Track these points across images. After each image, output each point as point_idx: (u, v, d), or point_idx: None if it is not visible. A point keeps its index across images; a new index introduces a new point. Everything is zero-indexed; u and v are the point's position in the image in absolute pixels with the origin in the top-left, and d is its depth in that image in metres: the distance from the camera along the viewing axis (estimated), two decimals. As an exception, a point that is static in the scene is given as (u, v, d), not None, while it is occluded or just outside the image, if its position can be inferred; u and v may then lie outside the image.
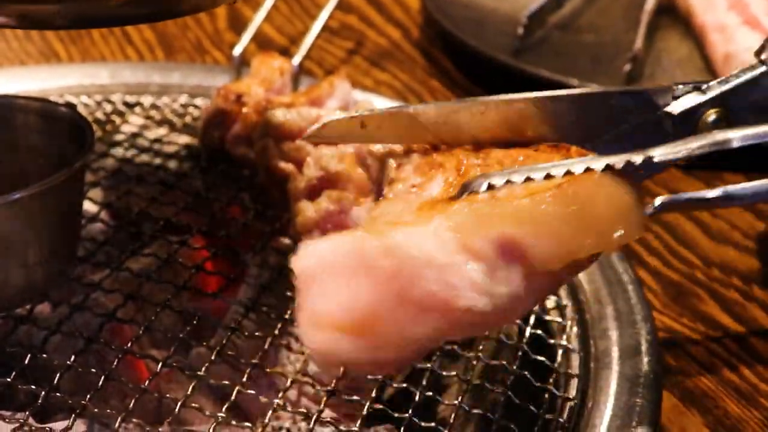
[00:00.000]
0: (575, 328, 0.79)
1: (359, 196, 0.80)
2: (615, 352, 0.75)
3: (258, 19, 1.20)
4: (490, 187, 0.55)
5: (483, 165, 0.60)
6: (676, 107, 0.63)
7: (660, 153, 0.57)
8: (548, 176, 0.54)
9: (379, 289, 0.50)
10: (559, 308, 0.82)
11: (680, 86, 0.64)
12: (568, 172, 0.54)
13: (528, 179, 0.55)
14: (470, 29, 1.32)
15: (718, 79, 0.64)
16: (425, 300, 0.49)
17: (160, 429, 0.65)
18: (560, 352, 0.76)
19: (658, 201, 0.67)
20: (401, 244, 0.50)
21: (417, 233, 0.50)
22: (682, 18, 1.37)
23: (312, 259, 0.51)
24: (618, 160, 0.56)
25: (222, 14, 1.46)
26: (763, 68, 0.64)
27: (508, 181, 0.55)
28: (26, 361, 0.70)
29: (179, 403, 0.67)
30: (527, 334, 0.77)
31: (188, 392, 0.68)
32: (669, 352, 0.78)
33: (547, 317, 0.81)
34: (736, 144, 0.58)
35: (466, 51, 1.30)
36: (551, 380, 0.73)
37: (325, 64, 1.32)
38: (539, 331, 0.78)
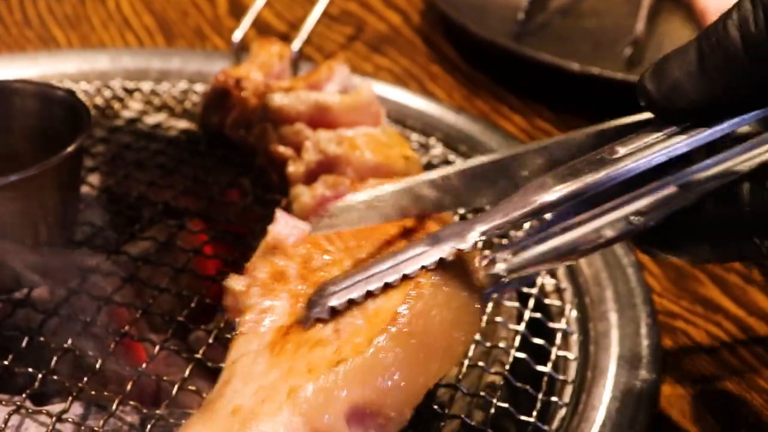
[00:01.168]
0: (574, 312, 0.79)
1: (358, 179, 0.80)
2: (614, 335, 0.75)
3: (258, 4, 1.20)
4: (333, 310, 0.56)
5: (324, 266, 0.62)
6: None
7: (481, 230, 0.56)
8: (387, 285, 0.56)
9: None
10: (559, 291, 0.82)
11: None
12: (405, 277, 0.56)
13: (369, 293, 0.56)
14: (471, 14, 1.31)
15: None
16: None
17: (157, 411, 0.65)
18: (559, 335, 0.76)
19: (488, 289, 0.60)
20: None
21: (271, 426, 0.51)
22: (684, 2, 1.37)
23: None
24: (446, 252, 0.56)
25: (222, 0, 1.46)
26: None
27: (349, 301, 0.56)
28: (24, 345, 0.70)
29: (177, 386, 0.67)
30: (526, 317, 0.77)
31: (186, 375, 0.68)
32: (668, 335, 0.78)
33: (547, 300, 0.81)
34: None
35: (467, 36, 1.30)
36: (550, 363, 0.73)
37: (325, 49, 1.32)
38: (538, 315, 0.78)
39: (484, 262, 0.56)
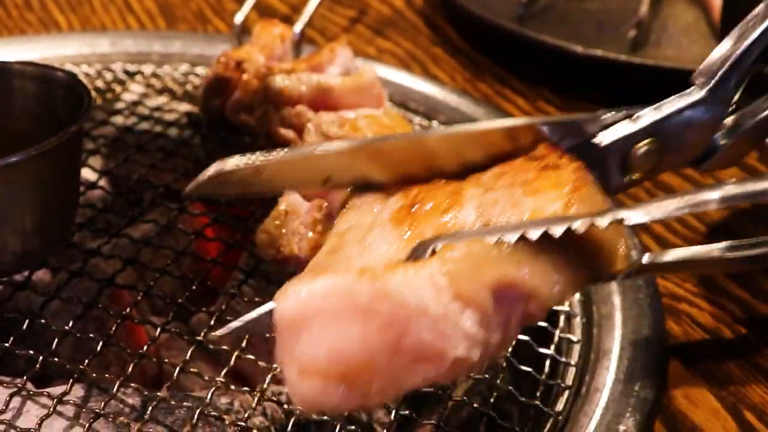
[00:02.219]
0: (577, 294, 0.78)
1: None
2: (618, 318, 0.75)
3: (260, -14, 1.19)
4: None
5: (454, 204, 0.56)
6: (604, 138, 0.60)
7: (634, 215, 0.51)
8: (500, 241, 0.50)
9: (372, 337, 0.47)
10: (562, 274, 0.81)
11: (609, 114, 0.61)
12: (545, 234, 0.50)
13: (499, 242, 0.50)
14: (474, -4, 1.30)
15: (652, 106, 0.61)
16: (419, 350, 0.47)
17: (158, 394, 0.65)
18: (562, 317, 0.76)
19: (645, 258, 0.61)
20: (396, 289, 0.47)
21: (412, 279, 0.47)
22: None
23: (297, 302, 0.48)
24: (579, 224, 0.50)
25: (224, -17, 1.45)
26: (698, 95, 0.61)
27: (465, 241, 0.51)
28: (25, 327, 0.70)
29: (178, 368, 0.67)
30: (529, 299, 0.76)
31: (187, 357, 0.68)
32: (672, 317, 0.77)
33: (550, 283, 0.80)
34: (714, 206, 0.53)
35: (469, 18, 1.29)
36: (553, 345, 0.73)
37: (327, 32, 1.31)
38: (541, 297, 0.77)
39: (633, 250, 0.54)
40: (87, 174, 0.89)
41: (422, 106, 1.07)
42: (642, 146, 0.61)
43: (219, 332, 0.56)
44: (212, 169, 0.59)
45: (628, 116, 0.61)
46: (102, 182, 0.89)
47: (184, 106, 1.05)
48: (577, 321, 0.76)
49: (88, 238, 0.81)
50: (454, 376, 0.50)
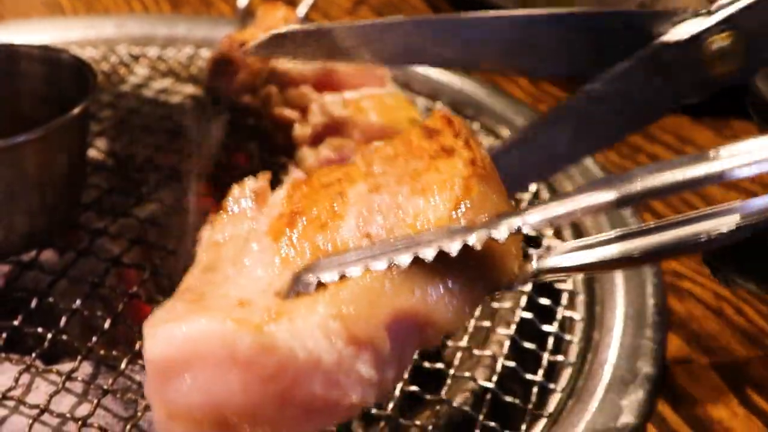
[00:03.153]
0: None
1: (363, 142, 0.80)
2: (620, 295, 0.75)
3: (263, -30, 1.20)
4: (320, 284, 0.46)
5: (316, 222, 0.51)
6: (674, 35, 0.52)
7: (531, 219, 0.46)
8: (392, 265, 0.46)
9: (255, 389, 0.43)
10: (565, 252, 0.82)
11: (682, 12, 0.53)
12: (417, 259, 0.46)
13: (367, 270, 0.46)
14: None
15: None
16: (309, 402, 0.44)
17: (166, 371, 0.66)
18: (565, 295, 0.76)
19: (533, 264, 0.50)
20: (283, 343, 0.43)
21: (301, 329, 0.43)
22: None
23: (168, 345, 0.44)
24: (476, 239, 0.46)
25: (227, -33, 1.45)
26: None
27: (342, 276, 0.46)
28: (33, 306, 0.70)
29: (185, 346, 0.68)
30: (532, 277, 0.77)
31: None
32: (675, 295, 0.78)
33: (553, 261, 0.81)
34: (616, 207, 0.46)
35: (474, 4, 1.29)
36: (556, 323, 0.74)
37: (330, 15, 1.31)
38: (544, 275, 0.78)
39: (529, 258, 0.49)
40: (93, 155, 0.90)
41: (425, 87, 1.07)
42: (716, 42, 0.52)
43: None
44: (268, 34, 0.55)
45: (700, 14, 0.52)
46: (108, 163, 0.89)
47: (189, 89, 1.06)
48: (580, 299, 0.76)
49: (94, 218, 0.81)
50: (349, 418, 0.48)
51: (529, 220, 0.46)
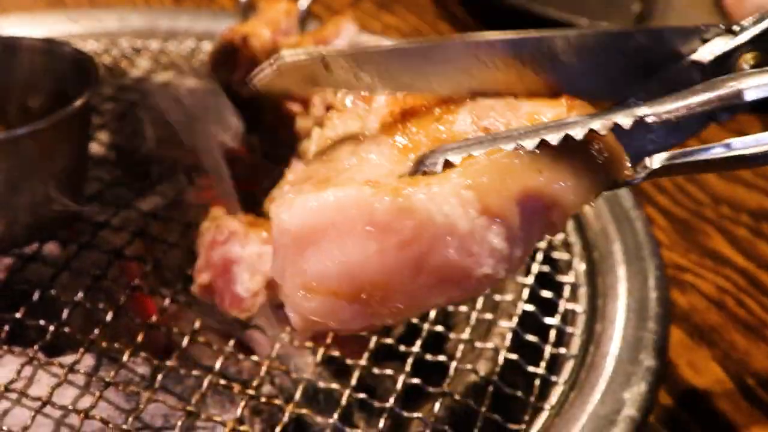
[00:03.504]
0: (582, 264, 0.79)
1: (366, 134, 0.80)
2: (622, 288, 0.75)
3: (265, -38, 1.19)
4: (447, 164, 0.47)
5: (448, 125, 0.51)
6: (704, 54, 0.52)
7: (651, 111, 0.46)
8: (518, 147, 0.46)
9: (392, 256, 0.43)
10: (566, 245, 0.82)
11: (710, 28, 0.52)
12: (543, 143, 0.46)
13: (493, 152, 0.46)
14: (479, -29, 1.30)
15: (754, 17, 0.52)
16: (444, 269, 0.44)
17: (168, 363, 0.66)
18: (567, 288, 0.76)
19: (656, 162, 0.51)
20: (422, 206, 0.43)
21: (437, 194, 0.43)
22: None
23: (305, 214, 0.43)
24: (600, 125, 0.46)
25: (229, -40, 1.45)
26: None
27: (469, 156, 0.47)
28: (35, 298, 0.70)
29: (187, 338, 0.68)
30: (534, 270, 0.77)
31: (196, 327, 0.69)
32: (677, 288, 0.78)
33: (554, 254, 0.81)
34: (749, 96, 0.46)
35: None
36: (558, 315, 0.74)
37: (333, 7, 1.31)
38: (546, 268, 0.78)
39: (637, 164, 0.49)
40: (95, 148, 0.90)
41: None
42: (746, 61, 0.53)
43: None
44: (275, 62, 0.52)
45: (729, 31, 0.53)
46: (110, 156, 0.89)
47: (191, 81, 1.06)
48: (583, 291, 0.76)
49: (96, 211, 0.81)
50: (478, 294, 0.47)
51: (648, 110, 0.46)
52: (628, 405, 0.65)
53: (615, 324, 0.72)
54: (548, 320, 0.73)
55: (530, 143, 0.46)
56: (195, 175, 0.86)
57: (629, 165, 0.49)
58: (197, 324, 0.69)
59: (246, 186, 0.87)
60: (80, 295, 0.71)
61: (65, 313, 0.69)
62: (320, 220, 0.43)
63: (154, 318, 0.70)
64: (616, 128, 0.46)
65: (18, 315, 0.69)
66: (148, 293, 0.75)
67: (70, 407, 0.62)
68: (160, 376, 0.65)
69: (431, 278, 0.44)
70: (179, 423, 0.62)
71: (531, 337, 0.71)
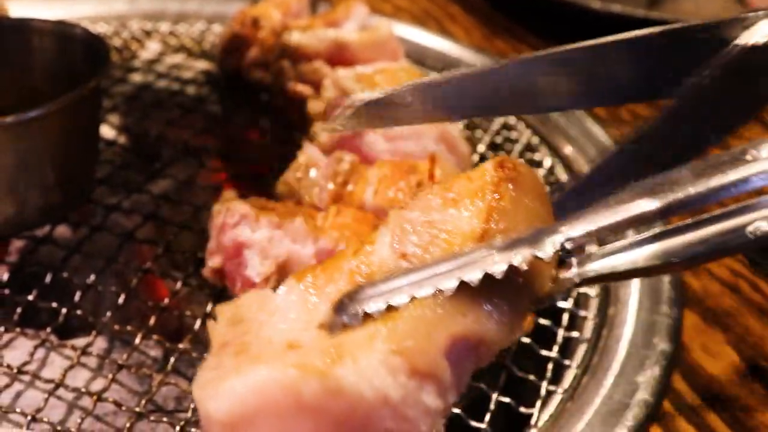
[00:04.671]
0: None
1: (378, 117, 0.80)
2: (636, 271, 0.75)
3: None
4: (366, 315, 0.46)
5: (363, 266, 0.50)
6: (749, 38, 0.51)
7: (574, 232, 0.45)
8: (438, 292, 0.45)
9: None
10: (580, 228, 0.81)
11: (749, 14, 0.51)
12: (462, 283, 0.45)
13: (413, 299, 0.45)
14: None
15: None
16: None
17: (180, 346, 0.66)
18: (581, 271, 0.76)
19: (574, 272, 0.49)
20: (350, 385, 0.43)
21: (365, 368, 0.43)
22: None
23: (231, 401, 0.43)
24: (521, 259, 0.45)
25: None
26: None
27: (389, 306, 0.46)
28: (47, 281, 0.70)
29: (199, 321, 0.68)
30: (547, 253, 0.76)
31: (208, 310, 0.69)
32: (690, 272, 0.77)
33: (568, 237, 0.80)
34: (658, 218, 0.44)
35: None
36: (571, 299, 0.73)
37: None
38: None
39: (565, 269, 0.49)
40: (106, 131, 0.90)
41: (439, 63, 1.07)
42: None
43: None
44: (346, 105, 0.54)
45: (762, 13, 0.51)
46: (121, 139, 0.89)
47: (201, 64, 1.06)
48: (595, 275, 0.76)
49: (107, 193, 0.81)
50: None
51: (572, 234, 0.45)
52: (642, 389, 0.65)
53: (628, 307, 0.72)
54: (561, 304, 0.72)
55: (450, 285, 0.45)
56: (205, 157, 0.86)
57: (553, 276, 0.49)
58: (209, 307, 0.69)
59: (257, 169, 0.87)
60: (92, 277, 0.71)
61: (77, 296, 0.69)
62: (247, 408, 0.43)
63: (165, 301, 0.70)
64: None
65: (30, 297, 0.69)
66: (160, 276, 0.75)
67: (82, 389, 0.62)
68: (172, 359, 0.65)
69: None
70: (192, 406, 0.62)
71: (544, 321, 0.70)
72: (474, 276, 0.45)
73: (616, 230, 0.45)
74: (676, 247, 0.46)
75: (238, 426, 0.43)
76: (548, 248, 0.45)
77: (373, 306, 0.46)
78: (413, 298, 0.45)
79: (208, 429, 0.44)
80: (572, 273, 0.48)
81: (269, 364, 0.43)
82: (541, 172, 0.87)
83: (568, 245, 0.45)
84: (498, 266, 0.45)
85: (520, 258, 0.45)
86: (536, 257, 0.45)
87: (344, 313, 0.46)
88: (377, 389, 0.43)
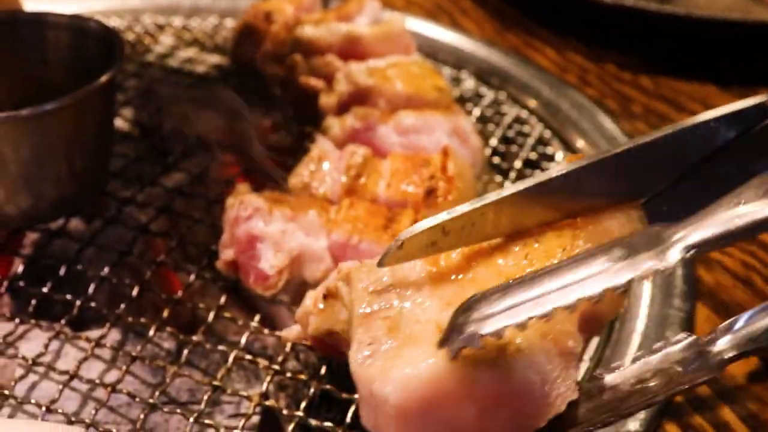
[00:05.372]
0: (608, 242, 0.78)
1: (389, 110, 0.80)
2: (648, 265, 0.75)
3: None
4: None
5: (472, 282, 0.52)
6: None
7: (688, 243, 0.46)
8: (553, 311, 0.45)
9: (490, 416, 0.47)
10: (592, 222, 0.81)
11: None
12: (579, 300, 0.45)
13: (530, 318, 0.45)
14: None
15: None
16: (529, 412, 0.47)
17: (194, 338, 0.66)
18: (593, 264, 0.76)
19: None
20: (517, 369, 0.46)
21: (526, 354, 0.46)
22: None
23: (408, 388, 0.46)
24: (642, 272, 0.45)
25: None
26: None
27: (504, 327, 0.46)
28: (61, 273, 0.71)
29: (212, 314, 0.68)
30: (559, 247, 0.76)
31: (221, 303, 0.69)
32: (703, 264, 0.77)
33: (580, 231, 0.80)
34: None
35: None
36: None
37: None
38: (572, 245, 0.77)
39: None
40: (120, 124, 0.90)
41: (451, 57, 1.07)
42: None
43: None
44: (399, 240, 0.51)
45: None
46: (134, 132, 0.89)
47: (214, 58, 1.06)
48: (608, 268, 0.76)
49: (121, 187, 0.81)
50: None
51: (692, 240, 0.46)
52: (654, 382, 0.65)
53: (641, 301, 0.72)
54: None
55: (568, 302, 0.45)
56: (218, 151, 0.86)
57: None
58: (222, 299, 0.69)
59: (270, 162, 0.87)
60: (106, 270, 0.71)
61: (91, 288, 0.69)
62: (423, 395, 0.46)
63: (179, 293, 0.70)
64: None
65: (45, 290, 0.70)
66: (173, 269, 0.75)
67: (97, 381, 0.63)
68: (185, 351, 0.65)
69: (524, 423, 0.47)
70: (205, 397, 0.62)
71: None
72: (596, 288, 0.45)
73: (737, 236, 0.45)
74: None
75: (413, 412, 0.46)
76: (672, 257, 0.45)
77: (490, 328, 0.45)
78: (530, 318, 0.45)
79: (382, 411, 0.47)
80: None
81: (438, 355, 0.46)
82: (551, 166, 0.87)
83: (690, 253, 0.45)
84: (619, 280, 0.45)
85: (643, 268, 0.45)
86: (658, 270, 0.45)
87: (461, 336, 0.46)
88: (540, 372, 0.46)
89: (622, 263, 0.46)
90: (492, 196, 0.51)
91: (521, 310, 0.45)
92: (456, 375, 0.46)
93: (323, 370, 0.64)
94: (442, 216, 0.51)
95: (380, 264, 0.51)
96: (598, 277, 0.45)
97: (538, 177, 0.52)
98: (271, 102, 0.94)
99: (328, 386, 0.62)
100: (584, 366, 0.67)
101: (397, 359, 0.47)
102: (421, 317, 0.50)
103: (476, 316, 0.46)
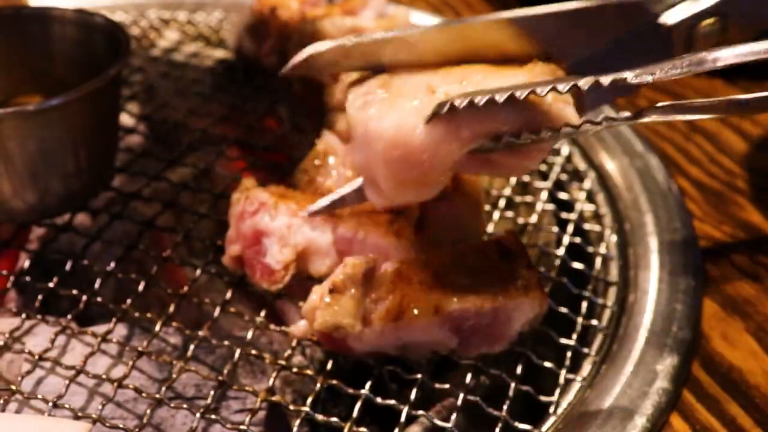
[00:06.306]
0: (614, 236, 0.78)
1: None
2: (654, 259, 0.75)
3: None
4: (452, 107, 0.55)
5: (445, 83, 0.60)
6: (669, 18, 0.61)
7: (633, 75, 0.53)
8: (511, 98, 0.54)
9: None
10: (598, 217, 0.81)
11: None
12: (532, 93, 0.53)
13: (491, 101, 0.54)
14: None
15: None
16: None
17: (200, 333, 0.66)
18: (599, 259, 0.76)
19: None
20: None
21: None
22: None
23: (404, 131, 0.55)
24: (584, 82, 0.53)
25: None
26: None
27: (470, 102, 0.54)
28: (68, 268, 0.71)
29: (218, 309, 0.68)
30: (566, 242, 0.76)
31: (227, 298, 0.69)
32: (710, 260, 0.77)
33: (586, 226, 0.80)
34: (713, 66, 0.53)
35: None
36: (590, 287, 0.73)
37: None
38: (577, 239, 0.77)
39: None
40: (125, 119, 0.90)
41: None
42: (706, 25, 0.61)
43: (311, 208, 0.65)
44: (305, 52, 0.62)
45: None
46: (140, 127, 0.89)
47: (219, 53, 1.06)
48: (614, 263, 0.76)
49: (127, 181, 0.81)
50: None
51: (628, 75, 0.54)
52: (661, 377, 0.65)
53: (647, 296, 0.72)
54: (579, 292, 0.72)
55: (522, 92, 0.54)
56: (224, 145, 0.86)
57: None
58: (228, 295, 0.69)
59: (275, 156, 0.87)
60: (112, 265, 0.71)
61: (97, 283, 0.69)
62: (409, 133, 0.55)
63: (185, 288, 0.70)
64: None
65: (51, 285, 0.70)
66: (179, 264, 0.75)
67: (103, 376, 0.63)
68: (192, 346, 0.65)
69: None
70: (211, 393, 0.62)
71: (562, 309, 0.70)
72: (543, 89, 0.53)
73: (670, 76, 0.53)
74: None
75: (398, 147, 0.55)
76: (607, 78, 0.53)
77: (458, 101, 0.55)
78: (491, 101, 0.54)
79: (370, 145, 0.57)
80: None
81: (431, 104, 0.55)
82: (558, 159, 0.87)
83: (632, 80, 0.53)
84: (565, 84, 0.54)
85: (584, 80, 0.53)
86: (597, 81, 0.53)
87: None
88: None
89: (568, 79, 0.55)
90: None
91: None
92: (446, 118, 0.55)
93: (330, 365, 0.64)
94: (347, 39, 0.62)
95: (282, 74, 0.64)
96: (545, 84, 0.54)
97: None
98: (277, 96, 0.94)
99: (334, 381, 0.62)
100: (590, 361, 0.67)
101: (392, 105, 0.56)
102: (413, 79, 0.59)
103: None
